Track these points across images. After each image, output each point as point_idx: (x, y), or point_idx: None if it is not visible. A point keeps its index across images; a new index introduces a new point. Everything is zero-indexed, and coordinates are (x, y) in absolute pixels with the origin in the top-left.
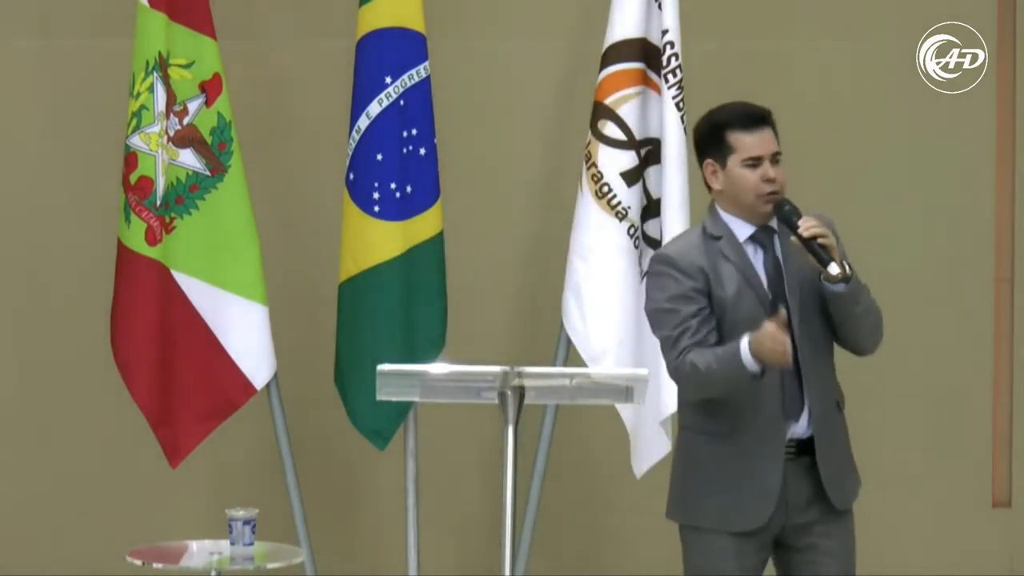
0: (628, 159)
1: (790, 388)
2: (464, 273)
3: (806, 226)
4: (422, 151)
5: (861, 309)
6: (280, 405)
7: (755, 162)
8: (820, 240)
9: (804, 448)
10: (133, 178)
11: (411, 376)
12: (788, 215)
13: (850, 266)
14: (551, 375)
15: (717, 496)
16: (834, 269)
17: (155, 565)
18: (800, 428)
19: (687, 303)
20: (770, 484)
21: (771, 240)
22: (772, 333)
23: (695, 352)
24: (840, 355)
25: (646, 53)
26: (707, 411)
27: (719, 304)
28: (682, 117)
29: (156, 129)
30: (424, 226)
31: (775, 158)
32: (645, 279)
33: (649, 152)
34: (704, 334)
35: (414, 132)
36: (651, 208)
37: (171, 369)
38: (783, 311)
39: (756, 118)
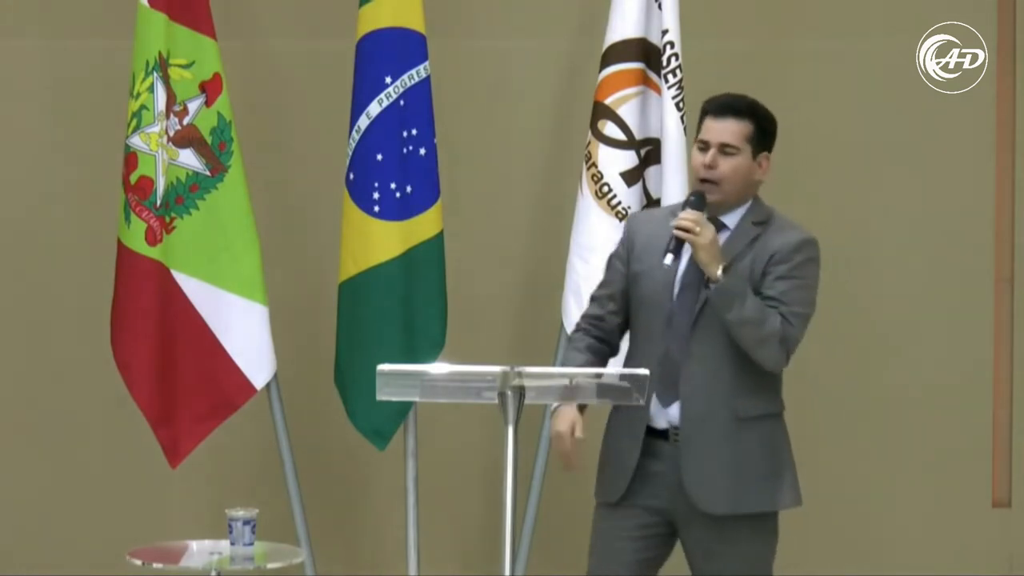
0: (628, 159)
1: (667, 378)
2: (464, 273)
3: (679, 216)
4: (422, 151)
5: (733, 319)
6: (280, 405)
7: (703, 145)
8: (677, 233)
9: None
10: (133, 178)
11: (411, 376)
12: (685, 203)
13: (726, 272)
14: (551, 375)
15: (601, 470)
16: (668, 259)
17: (155, 565)
18: (674, 419)
19: (610, 268)
20: (628, 462)
21: (719, 229)
22: (560, 436)
23: (577, 341)
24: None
25: (646, 53)
26: None
27: (631, 278)
28: (682, 117)
29: (156, 129)
30: (424, 226)
31: (724, 149)
32: None
33: (649, 152)
34: (603, 312)
35: (414, 132)
36: (651, 208)
37: (171, 369)
38: (577, 430)
39: (722, 107)
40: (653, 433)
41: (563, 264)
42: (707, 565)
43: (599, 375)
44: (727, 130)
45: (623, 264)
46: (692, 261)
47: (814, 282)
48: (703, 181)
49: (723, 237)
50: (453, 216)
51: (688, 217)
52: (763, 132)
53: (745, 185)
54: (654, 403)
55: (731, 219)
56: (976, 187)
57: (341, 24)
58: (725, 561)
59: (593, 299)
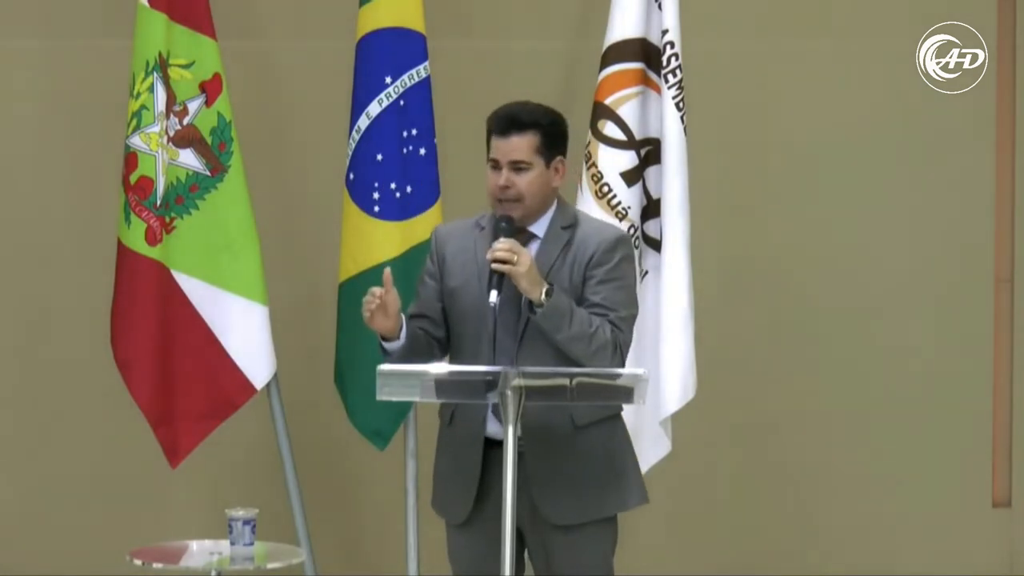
0: (628, 159)
1: None
2: None
3: (494, 248)
4: (422, 151)
5: (562, 338)
6: (280, 405)
7: (494, 164)
8: (496, 267)
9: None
10: (133, 178)
11: (411, 376)
12: (495, 230)
13: (549, 295)
14: (551, 375)
15: (440, 487)
16: (493, 296)
17: (155, 565)
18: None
19: (423, 287)
20: (469, 482)
21: (526, 244)
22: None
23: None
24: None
25: (646, 53)
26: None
27: (447, 293)
28: (682, 117)
29: (156, 129)
30: (424, 226)
31: (515, 166)
32: None
33: (649, 152)
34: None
35: (414, 132)
36: (651, 208)
37: (171, 369)
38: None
39: (504, 125)
40: (492, 444)
41: None
42: (553, 569)
43: (600, 375)
44: (514, 147)
45: (436, 280)
46: (509, 282)
47: (632, 280)
48: (501, 201)
49: (535, 247)
50: (453, 216)
51: (503, 247)
52: (551, 138)
53: (545, 195)
54: (491, 417)
55: (539, 227)
56: (976, 187)
57: (341, 24)
58: (571, 565)
59: (410, 317)
